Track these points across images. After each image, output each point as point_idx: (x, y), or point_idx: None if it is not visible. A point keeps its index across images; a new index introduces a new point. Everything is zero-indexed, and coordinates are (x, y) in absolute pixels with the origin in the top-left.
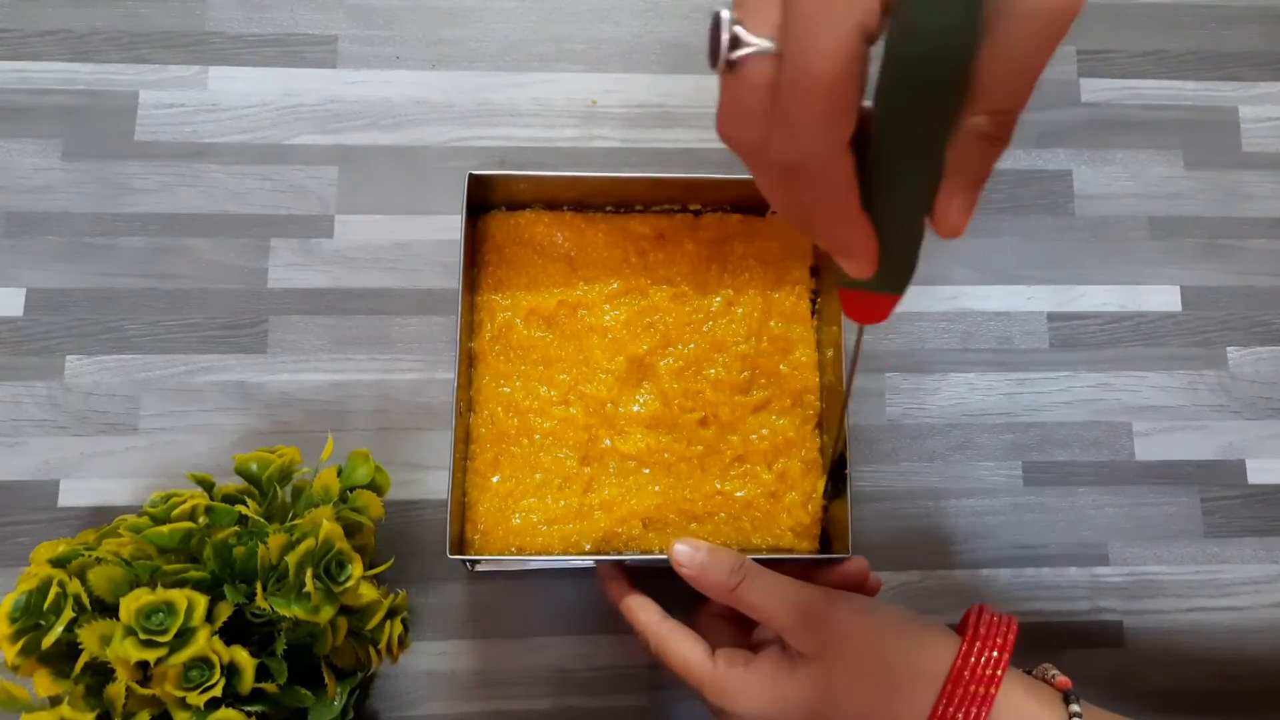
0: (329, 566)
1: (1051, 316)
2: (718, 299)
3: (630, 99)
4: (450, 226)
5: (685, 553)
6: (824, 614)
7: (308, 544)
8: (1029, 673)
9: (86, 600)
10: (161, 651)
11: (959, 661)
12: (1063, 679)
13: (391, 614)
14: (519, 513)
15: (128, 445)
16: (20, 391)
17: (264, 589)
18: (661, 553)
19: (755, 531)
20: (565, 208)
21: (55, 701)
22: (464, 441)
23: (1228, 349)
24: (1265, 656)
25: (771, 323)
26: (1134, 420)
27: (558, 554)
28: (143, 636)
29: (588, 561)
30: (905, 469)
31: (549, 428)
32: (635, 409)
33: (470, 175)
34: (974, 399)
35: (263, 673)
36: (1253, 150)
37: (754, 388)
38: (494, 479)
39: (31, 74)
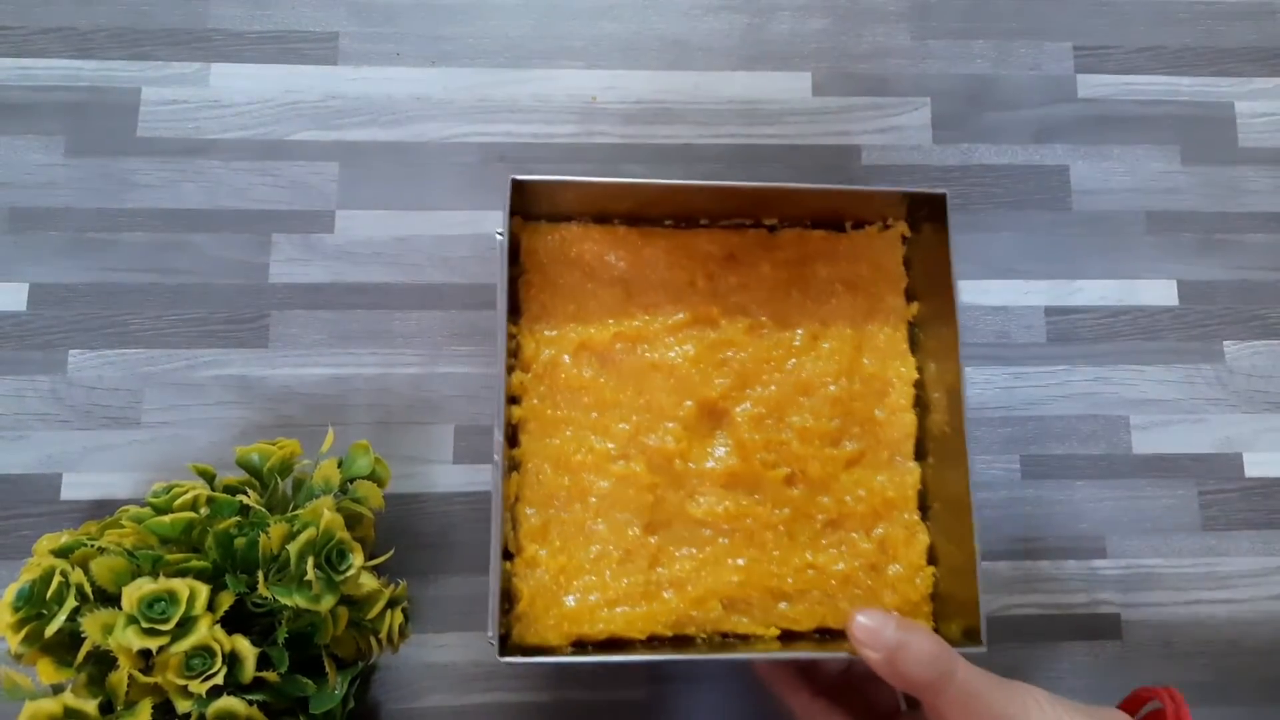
0: (330, 556)
1: (1049, 311)
2: (800, 331)
3: (630, 95)
4: (451, 222)
5: (867, 627)
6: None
7: (309, 534)
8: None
9: (89, 590)
10: (163, 640)
11: None
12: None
13: (392, 604)
14: (573, 593)
15: (130, 439)
16: (23, 385)
17: (265, 578)
18: (741, 637)
19: None
20: (616, 220)
21: (58, 690)
22: (508, 508)
23: (1225, 343)
24: (1262, 649)
25: (864, 360)
26: (1131, 414)
27: (622, 646)
28: (145, 625)
29: (662, 658)
30: None
31: (606, 489)
32: (709, 465)
33: (513, 180)
34: (972, 393)
35: (264, 662)
36: (1249, 145)
37: (846, 437)
38: (542, 552)
39: (35, 71)
